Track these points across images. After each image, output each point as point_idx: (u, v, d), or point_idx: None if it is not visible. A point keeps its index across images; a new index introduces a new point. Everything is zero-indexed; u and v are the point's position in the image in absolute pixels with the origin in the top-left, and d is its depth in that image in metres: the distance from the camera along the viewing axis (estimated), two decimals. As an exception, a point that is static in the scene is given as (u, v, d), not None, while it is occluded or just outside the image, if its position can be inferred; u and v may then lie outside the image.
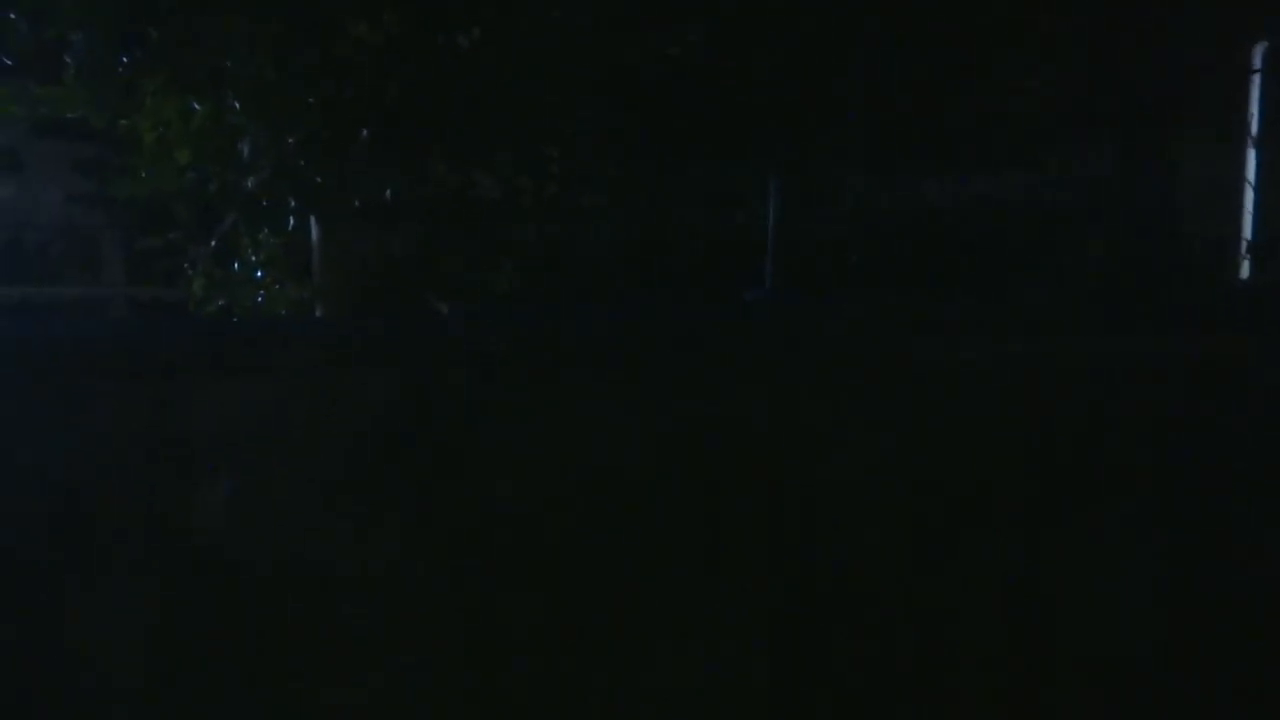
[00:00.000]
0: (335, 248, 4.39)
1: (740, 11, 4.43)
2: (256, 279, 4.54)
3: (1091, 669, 2.17)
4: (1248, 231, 5.02)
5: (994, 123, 4.75)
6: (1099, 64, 4.75)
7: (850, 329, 2.25)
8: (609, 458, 2.09)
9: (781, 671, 2.12)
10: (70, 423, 1.97)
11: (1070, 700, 2.18)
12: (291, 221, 4.38)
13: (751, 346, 2.24)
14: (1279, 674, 2.17)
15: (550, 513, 2.07)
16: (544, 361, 2.14)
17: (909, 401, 2.16)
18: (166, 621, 1.98)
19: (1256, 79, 4.91)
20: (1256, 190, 4.96)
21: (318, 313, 4.44)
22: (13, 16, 3.79)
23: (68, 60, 4.03)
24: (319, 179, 4.18)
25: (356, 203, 4.27)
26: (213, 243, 4.60)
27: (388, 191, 4.32)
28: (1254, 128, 4.99)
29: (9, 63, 4.01)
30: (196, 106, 4.08)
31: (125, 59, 3.86)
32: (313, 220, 4.37)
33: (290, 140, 4.09)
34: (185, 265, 4.76)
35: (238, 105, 4.02)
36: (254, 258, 4.56)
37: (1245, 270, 5.01)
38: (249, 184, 4.30)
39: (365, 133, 4.15)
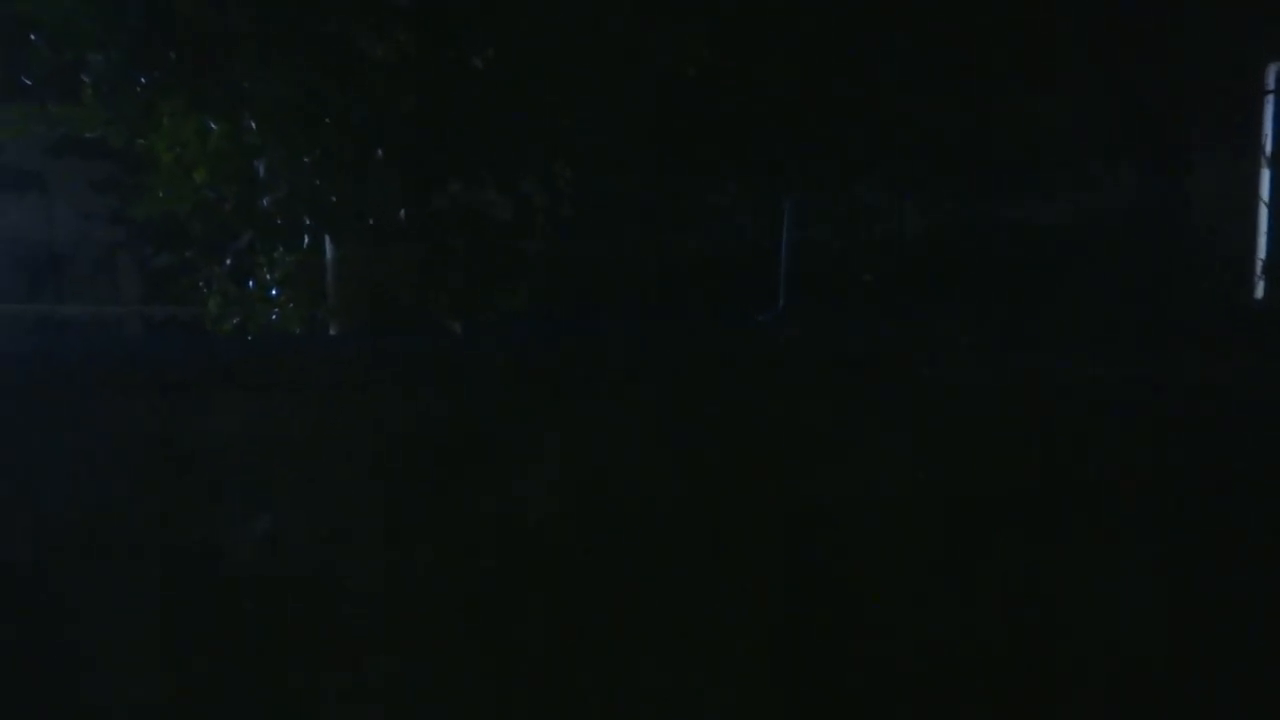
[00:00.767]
0: (349, 266, 4.41)
1: (756, 30, 4.45)
2: (271, 297, 4.57)
3: (1092, 676, 2.16)
4: (1263, 250, 5.01)
5: (1009, 144, 4.76)
6: (1113, 86, 4.75)
7: (861, 348, 2.25)
8: (624, 466, 2.09)
9: (786, 668, 2.12)
10: (83, 437, 1.98)
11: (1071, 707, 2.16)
12: (306, 240, 4.41)
13: (765, 365, 2.24)
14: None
15: (572, 525, 2.07)
16: (556, 379, 2.14)
17: (917, 418, 2.16)
18: (177, 628, 1.99)
19: (1270, 100, 4.91)
20: (1271, 209, 4.96)
21: (332, 330, 4.46)
22: (33, 38, 3.84)
23: (86, 80, 4.08)
24: (334, 198, 4.21)
25: (371, 221, 4.29)
26: (228, 261, 4.64)
27: (402, 210, 4.35)
28: (1268, 147, 4.99)
29: (29, 83, 4.06)
30: (214, 126, 4.12)
31: (143, 80, 3.90)
32: (327, 238, 4.40)
33: (306, 159, 4.12)
34: (200, 283, 4.79)
35: (254, 125, 4.06)
36: (269, 276, 4.58)
37: (1261, 289, 4.99)
38: (264, 203, 4.33)
39: (380, 152, 4.18)
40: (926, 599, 2.13)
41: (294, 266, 4.53)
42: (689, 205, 4.96)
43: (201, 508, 2.03)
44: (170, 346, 2.61)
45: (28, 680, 1.95)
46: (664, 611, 2.09)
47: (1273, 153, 4.94)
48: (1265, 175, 4.98)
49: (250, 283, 4.60)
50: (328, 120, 4.04)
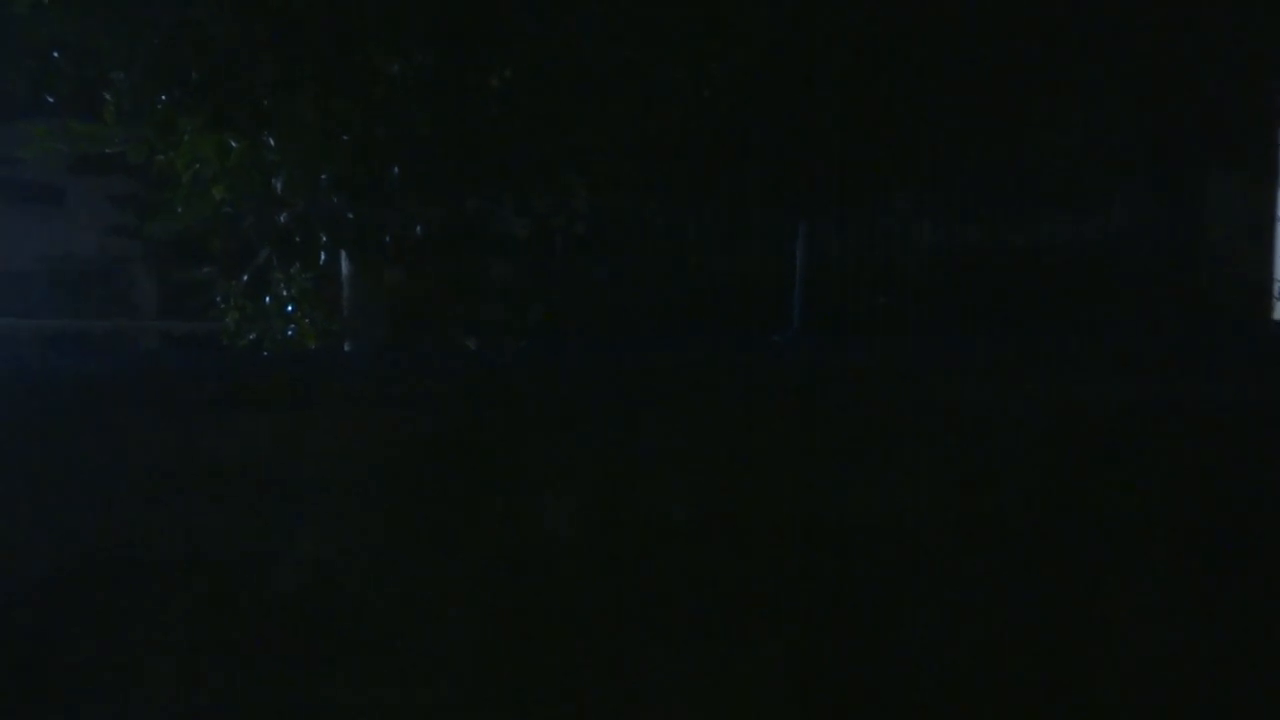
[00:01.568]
0: (365, 282, 4.43)
1: (773, 57, 4.47)
2: (288, 313, 4.59)
3: (1108, 701, 2.14)
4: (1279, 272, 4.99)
5: (1025, 167, 4.75)
6: (1129, 108, 4.75)
7: (875, 371, 2.25)
8: (639, 484, 2.09)
9: (800, 686, 2.11)
10: (99, 454, 1.99)
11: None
12: (323, 256, 4.44)
13: (781, 386, 2.24)
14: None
15: (588, 544, 2.07)
16: (570, 397, 2.15)
17: (935, 440, 2.15)
18: (196, 643, 1.99)
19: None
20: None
21: (347, 346, 4.48)
22: (56, 55, 3.88)
23: (108, 98, 4.12)
24: (351, 215, 4.23)
25: (387, 238, 4.32)
26: (245, 277, 4.66)
27: (418, 227, 4.37)
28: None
29: (51, 100, 4.10)
30: (233, 144, 4.15)
31: (164, 97, 3.94)
32: (343, 255, 4.42)
33: (323, 177, 4.15)
34: (218, 299, 4.82)
35: (273, 142, 4.09)
36: (285, 292, 4.61)
37: (1278, 310, 4.97)
38: (282, 219, 4.36)
39: (396, 170, 4.21)
40: (945, 623, 2.12)
41: (310, 282, 4.56)
42: (705, 225, 4.97)
43: (217, 523, 2.04)
44: (185, 362, 2.62)
45: (38, 698, 1.96)
46: (680, 632, 2.08)
47: None
48: (1282, 197, 4.96)
49: (267, 298, 4.63)
50: (346, 138, 4.07)
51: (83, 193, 7.21)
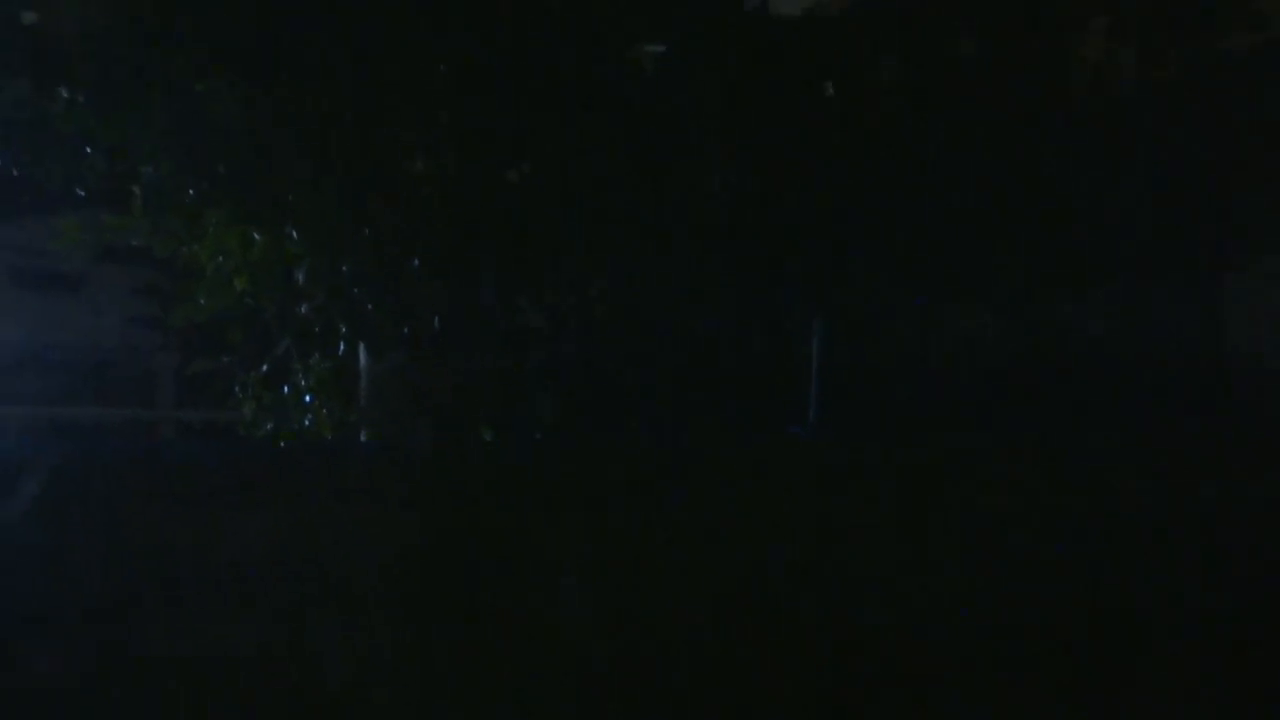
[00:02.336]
0: (383, 373, 4.46)
1: (787, 153, 4.54)
2: (306, 403, 4.61)
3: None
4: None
5: (1041, 256, 4.77)
6: (1148, 197, 4.78)
7: (892, 468, 2.24)
8: (651, 575, 2.07)
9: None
10: (111, 542, 1.98)
11: None
12: (341, 347, 4.47)
13: (798, 481, 2.22)
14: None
15: (602, 633, 2.04)
16: (583, 489, 2.14)
17: (959, 537, 2.13)
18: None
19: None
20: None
21: (363, 437, 4.48)
22: (89, 150, 3.98)
23: (136, 191, 4.21)
24: (370, 306, 4.28)
25: (405, 329, 4.35)
26: (264, 367, 4.69)
27: (436, 319, 4.41)
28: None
29: (82, 194, 4.20)
30: (257, 237, 4.22)
31: (192, 191, 4.02)
32: (361, 346, 4.46)
33: (345, 268, 4.21)
34: (236, 389, 4.85)
35: (296, 235, 4.16)
36: (303, 382, 4.63)
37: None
38: (302, 309, 4.41)
39: (416, 262, 4.26)
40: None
41: (329, 373, 4.59)
42: (721, 317, 4.99)
43: (226, 614, 2.02)
44: (200, 454, 2.64)
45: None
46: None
47: None
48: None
49: (285, 388, 4.65)
50: (368, 231, 4.13)
51: (104, 282, 7.32)
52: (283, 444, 4.44)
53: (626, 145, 4.24)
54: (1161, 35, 4.74)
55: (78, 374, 7.19)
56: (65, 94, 3.83)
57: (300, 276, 4.32)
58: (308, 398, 4.58)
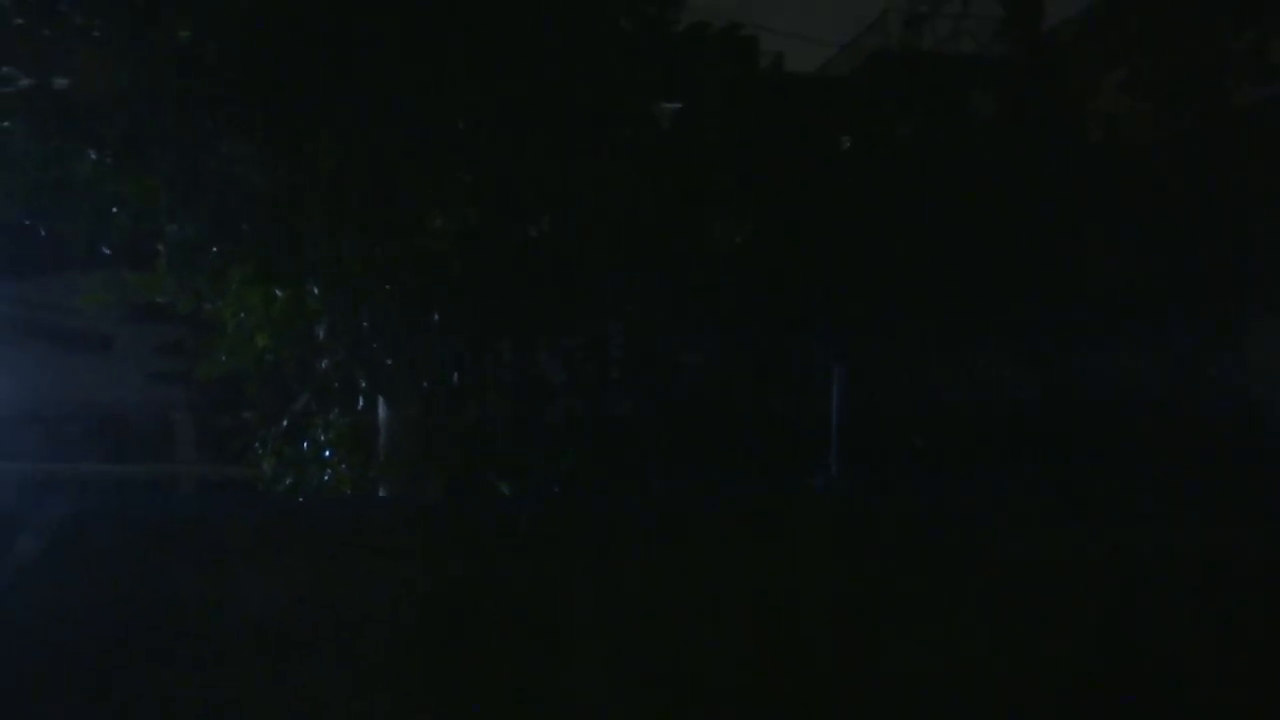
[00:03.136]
0: (402, 427, 4.47)
1: (800, 204, 4.58)
2: (325, 458, 4.62)
3: None
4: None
5: (1063, 308, 4.76)
6: (1176, 249, 4.78)
7: (918, 519, 2.22)
8: (670, 627, 2.05)
9: None
10: (129, 597, 1.98)
11: None
12: (361, 401, 4.49)
13: (820, 531, 2.21)
14: None
15: (620, 692, 2.02)
16: (600, 543, 2.13)
17: (982, 589, 2.10)
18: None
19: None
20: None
21: (382, 492, 4.48)
22: (115, 211, 4.04)
23: (160, 249, 4.27)
24: (389, 360, 4.30)
25: (425, 384, 4.37)
26: (284, 422, 4.71)
27: (455, 374, 4.42)
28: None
29: (107, 251, 4.25)
30: (278, 294, 4.27)
31: (215, 249, 4.07)
32: (380, 401, 4.47)
33: (364, 323, 4.24)
34: (256, 444, 4.87)
35: (317, 290, 4.19)
36: (323, 437, 4.65)
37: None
38: (322, 365, 4.44)
39: (436, 316, 4.29)
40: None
41: (347, 428, 4.60)
42: (741, 367, 5.00)
43: (241, 667, 2.01)
44: (218, 509, 2.64)
45: None
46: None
47: None
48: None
49: (305, 443, 4.67)
50: (387, 286, 4.17)
51: (127, 340, 7.39)
52: (301, 499, 4.45)
53: (645, 199, 4.28)
54: (1176, 87, 4.78)
55: (97, 430, 7.23)
56: (93, 155, 3.90)
57: (320, 332, 4.36)
58: (327, 453, 4.59)
